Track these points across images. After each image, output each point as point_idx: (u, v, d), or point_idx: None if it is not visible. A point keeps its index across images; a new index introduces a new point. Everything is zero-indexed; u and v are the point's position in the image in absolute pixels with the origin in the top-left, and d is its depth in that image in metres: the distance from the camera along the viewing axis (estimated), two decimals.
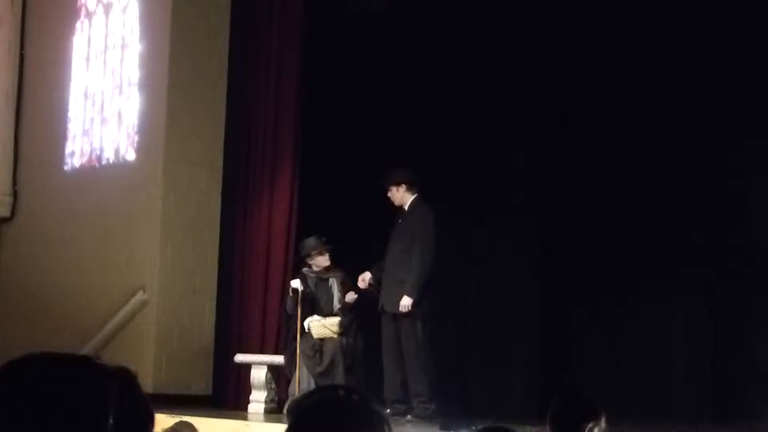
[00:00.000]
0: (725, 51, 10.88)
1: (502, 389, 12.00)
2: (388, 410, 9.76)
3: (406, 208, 10.39)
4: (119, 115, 13.69)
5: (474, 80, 12.24)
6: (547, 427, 5.37)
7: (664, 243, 11.42)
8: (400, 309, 10.00)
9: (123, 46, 13.78)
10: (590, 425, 5.05)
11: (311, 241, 10.92)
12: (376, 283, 10.45)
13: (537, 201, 12.29)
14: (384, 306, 10.29)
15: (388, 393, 10.22)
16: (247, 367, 11.54)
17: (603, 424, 5.20)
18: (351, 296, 10.71)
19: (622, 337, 11.68)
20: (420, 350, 10.09)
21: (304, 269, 10.93)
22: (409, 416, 10.01)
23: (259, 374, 11.34)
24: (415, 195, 10.39)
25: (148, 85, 13.26)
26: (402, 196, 10.39)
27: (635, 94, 11.45)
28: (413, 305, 9.96)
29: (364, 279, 10.50)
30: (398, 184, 10.38)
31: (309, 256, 10.87)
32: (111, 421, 2.04)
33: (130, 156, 13.44)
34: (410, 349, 10.10)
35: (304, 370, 10.50)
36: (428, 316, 10.16)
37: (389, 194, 10.43)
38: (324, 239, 10.90)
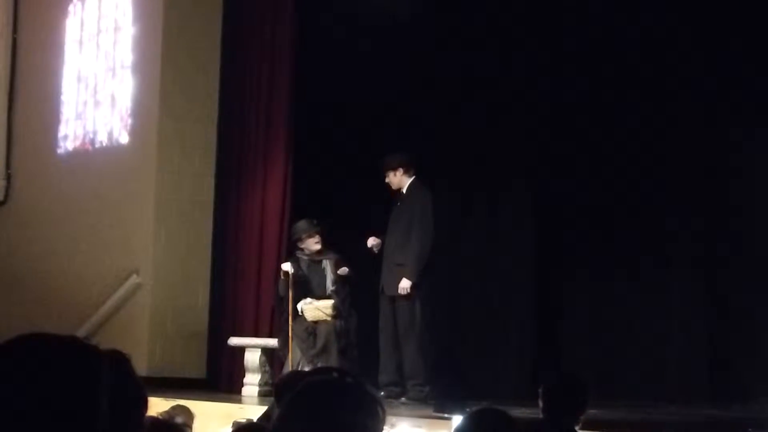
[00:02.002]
0: (725, 44, 10.89)
1: (497, 371, 12.01)
2: (382, 393, 9.78)
3: (405, 191, 10.41)
4: (112, 98, 13.66)
5: (469, 61, 12.20)
6: (540, 406, 5.40)
7: (661, 223, 11.42)
8: (399, 292, 10.04)
9: (116, 29, 13.73)
10: None
11: (301, 224, 10.93)
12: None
13: (535, 182, 12.26)
14: (384, 288, 10.32)
15: (383, 375, 10.24)
16: (241, 350, 11.56)
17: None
18: (344, 270, 10.72)
19: (618, 318, 11.69)
20: (416, 333, 10.11)
21: (298, 252, 10.93)
22: (403, 399, 10.03)
23: (253, 357, 11.36)
24: (413, 178, 10.41)
25: (141, 68, 13.23)
26: (400, 180, 10.41)
27: (633, 76, 11.43)
28: (412, 288, 10.00)
29: (377, 240, 10.45)
30: (395, 169, 10.40)
31: (300, 239, 10.87)
32: (104, 401, 2.05)
33: (124, 139, 13.41)
34: (407, 332, 10.13)
35: (298, 352, 10.51)
36: (427, 299, 10.18)
37: (387, 179, 10.45)
38: (315, 222, 10.89)
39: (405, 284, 10.02)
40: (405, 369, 10.17)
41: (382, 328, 10.34)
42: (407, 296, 10.05)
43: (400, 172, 10.40)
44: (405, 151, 10.57)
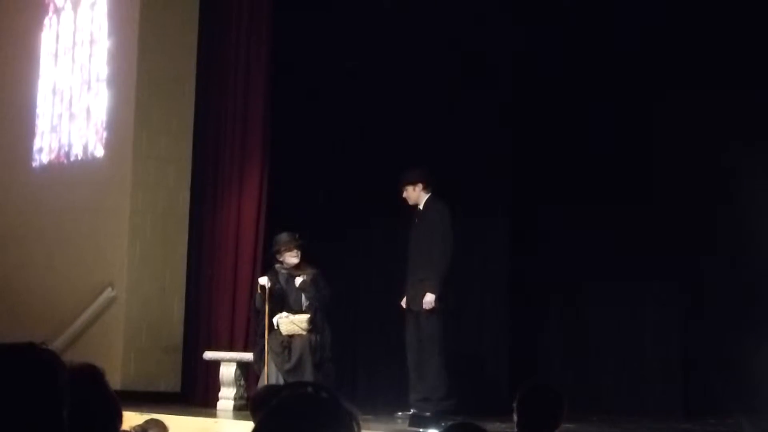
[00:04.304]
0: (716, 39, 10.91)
1: (471, 385, 11.99)
2: (413, 410, 9.79)
3: (421, 207, 10.38)
4: (88, 111, 13.64)
5: (455, 61, 12.14)
6: (514, 420, 5.40)
7: (636, 238, 11.41)
8: (424, 306, 10.02)
9: (91, 42, 13.72)
10: None
11: (282, 237, 10.89)
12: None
13: (509, 191, 12.22)
14: (409, 305, 10.28)
15: (413, 392, 10.14)
16: (216, 364, 11.53)
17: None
18: (299, 280, 10.70)
19: (593, 333, 11.69)
20: (439, 348, 10.07)
21: (276, 265, 10.91)
22: (412, 410, 9.93)
23: (228, 371, 11.33)
24: (430, 194, 10.38)
25: (116, 81, 13.22)
26: (417, 196, 10.36)
27: (612, 71, 11.44)
28: (436, 301, 9.99)
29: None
30: (414, 184, 10.36)
31: (278, 251, 10.85)
32: (66, 404, 2.03)
33: (99, 152, 13.39)
34: (432, 346, 10.08)
35: (273, 366, 10.48)
36: (451, 313, 10.18)
37: (404, 194, 10.39)
38: (296, 236, 10.85)
39: (429, 298, 10.00)
40: (428, 383, 10.10)
41: (409, 344, 10.28)
42: (431, 310, 10.05)
43: (419, 187, 10.34)
44: (424, 167, 10.52)
